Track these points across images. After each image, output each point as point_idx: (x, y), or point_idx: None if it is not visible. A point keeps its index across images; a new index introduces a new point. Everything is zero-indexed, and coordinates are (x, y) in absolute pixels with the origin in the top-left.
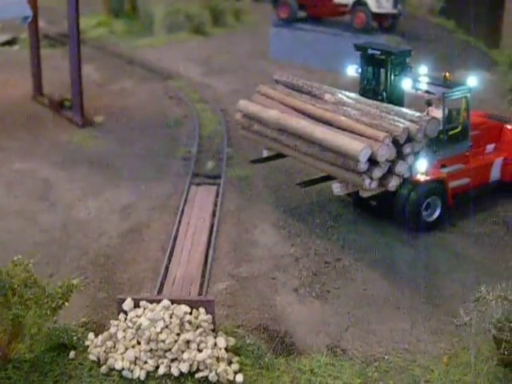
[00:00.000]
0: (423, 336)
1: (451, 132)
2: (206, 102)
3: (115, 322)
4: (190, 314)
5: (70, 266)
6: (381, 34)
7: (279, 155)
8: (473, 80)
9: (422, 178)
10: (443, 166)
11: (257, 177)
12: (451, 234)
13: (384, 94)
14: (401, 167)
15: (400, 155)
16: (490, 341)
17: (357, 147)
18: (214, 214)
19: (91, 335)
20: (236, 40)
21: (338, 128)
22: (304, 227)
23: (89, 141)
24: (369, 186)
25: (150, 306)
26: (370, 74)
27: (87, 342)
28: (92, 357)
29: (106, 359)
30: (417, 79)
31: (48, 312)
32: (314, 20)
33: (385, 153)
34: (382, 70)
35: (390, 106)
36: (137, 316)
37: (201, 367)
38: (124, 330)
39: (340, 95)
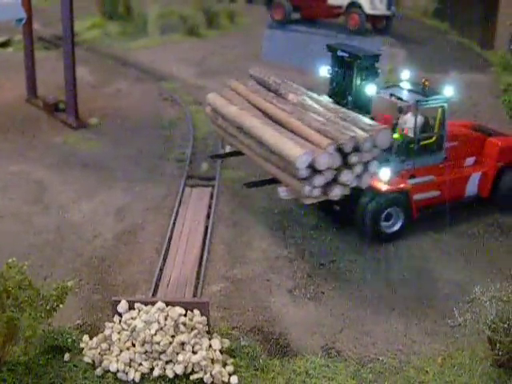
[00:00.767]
0: (418, 337)
1: (424, 142)
2: (199, 104)
3: (110, 324)
4: (185, 315)
5: (64, 268)
6: (375, 36)
7: (239, 152)
8: (449, 90)
9: (383, 187)
10: (412, 176)
11: (251, 179)
12: (446, 234)
13: (349, 98)
14: (346, 176)
15: (346, 164)
16: (485, 342)
17: (296, 153)
18: (208, 216)
19: (86, 337)
20: (230, 42)
21: (290, 131)
22: (298, 229)
23: (83, 143)
24: (309, 194)
25: (144, 307)
26: (339, 76)
27: (82, 345)
28: (87, 359)
29: (101, 361)
30: (380, 85)
31: (43, 314)
32: (308, 21)
33: (326, 161)
34: (349, 73)
35: (349, 111)
36: (131, 318)
37: (196, 369)
38: (119, 332)
39: (304, 97)
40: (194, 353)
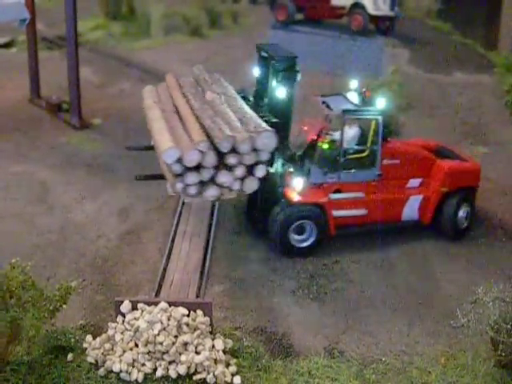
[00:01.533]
0: (420, 338)
1: (354, 156)
2: None
3: (113, 325)
4: (188, 316)
5: (67, 268)
6: (378, 36)
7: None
8: (381, 102)
9: (295, 197)
10: (337, 190)
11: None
12: (447, 235)
13: (265, 99)
14: (223, 177)
15: (225, 165)
16: (487, 342)
17: (164, 147)
18: (211, 216)
19: (89, 337)
20: (233, 42)
21: (183, 126)
22: None
23: (86, 143)
24: (182, 191)
25: (147, 308)
26: (262, 76)
27: (85, 345)
28: (90, 359)
29: (104, 361)
30: (294, 88)
31: (46, 314)
32: (312, 22)
33: (195, 158)
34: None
35: (250, 112)
36: (135, 318)
37: (199, 369)
38: (122, 333)
39: (219, 95)
40: (197, 353)
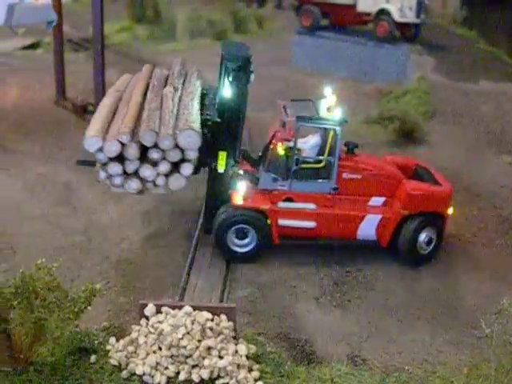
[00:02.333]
0: (443, 347)
1: (309, 165)
2: None
3: (137, 327)
4: (212, 320)
5: (91, 270)
6: (403, 43)
7: None
8: (337, 112)
9: (236, 200)
10: (288, 199)
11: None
12: (472, 244)
13: (216, 98)
14: (146, 171)
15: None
16: (511, 353)
17: (87, 134)
18: None
19: (112, 340)
20: (258, 47)
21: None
22: None
23: None
24: (106, 180)
25: (171, 311)
26: (221, 75)
27: (108, 347)
28: (113, 361)
29: (127, 364)
30: (246, 89)
31: (71, 316)
32: (337, 28)
33: (115, 149)
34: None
35: (193, 110)
36: (158, 322)
37: (221, 374)
38: (145, 336)
39: (175, 90)
40: (220, 358)
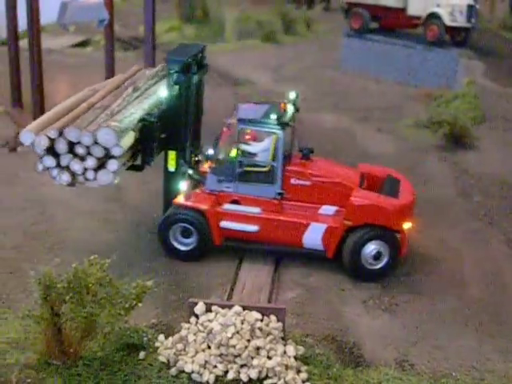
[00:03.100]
0: (491, 354)
1: (254, 169)
2: None
3: (186, 325)
4: (261, 320)
5: (140, 267)
6: (453, 48)
7: None
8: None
9: (178, 199)
10: (235, 201)
11: None
12: None
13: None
14: (75, 166)
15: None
16: None
17: (24, 129)
18: None
19: (161, 337)
20: (306, 49)
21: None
22: None
23: None
24: (43, 172)
25: (221, 311)
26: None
27: (157, 344)
28: (162, 358)
29: (176, 361)
30: (189, 91)
31: (121, 312)
32: (387, 31)
33: (43, 143)
34: None
35: (133, 109)
36: (208, 320)
37: (270, 374)
38: (195, 334)
39: (135, 90)
40: (269, 358)
